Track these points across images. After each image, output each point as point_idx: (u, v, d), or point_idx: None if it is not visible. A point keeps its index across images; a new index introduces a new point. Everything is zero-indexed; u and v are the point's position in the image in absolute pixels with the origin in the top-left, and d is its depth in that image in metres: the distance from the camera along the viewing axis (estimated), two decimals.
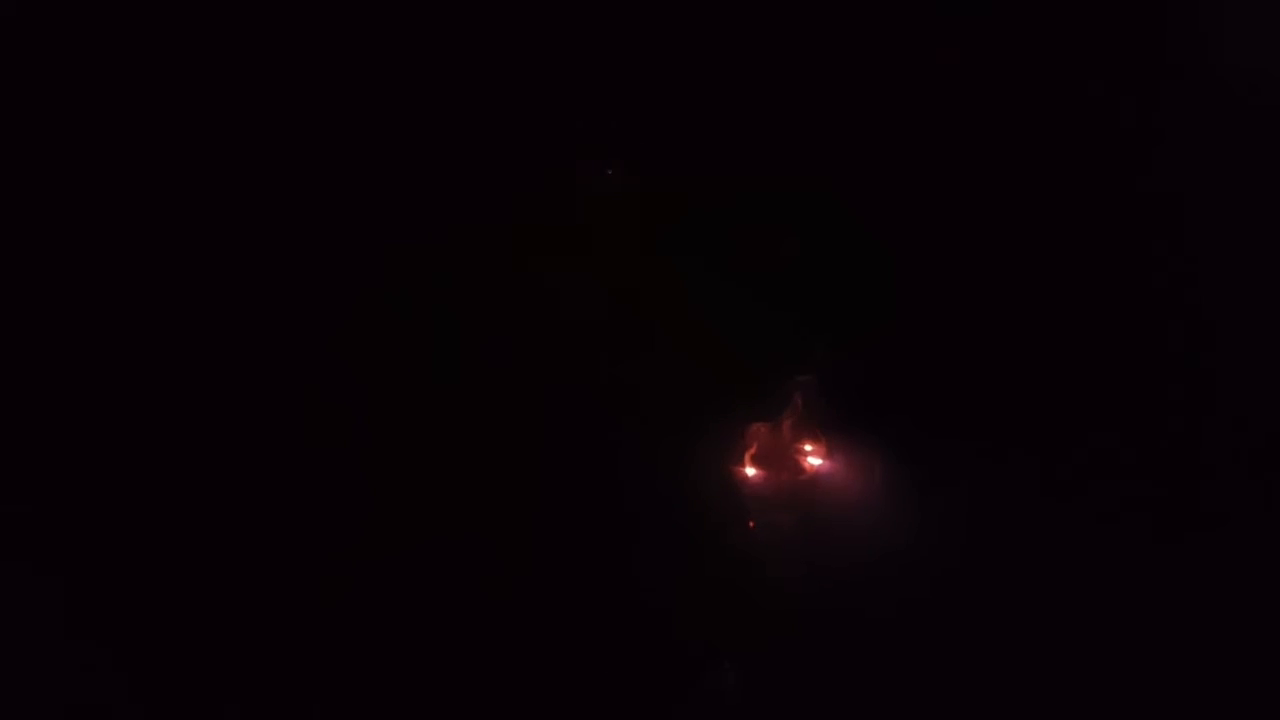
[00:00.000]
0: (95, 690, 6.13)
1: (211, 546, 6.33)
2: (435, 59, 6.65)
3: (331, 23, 6.60)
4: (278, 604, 6.30)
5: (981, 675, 6.23)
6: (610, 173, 6.54)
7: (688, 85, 6.69)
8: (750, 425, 6.59)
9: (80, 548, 6.26)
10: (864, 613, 6.33)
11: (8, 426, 6.33)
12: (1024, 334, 6.61)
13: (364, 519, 6.41)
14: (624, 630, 6.35)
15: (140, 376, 6.42)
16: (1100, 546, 6.40)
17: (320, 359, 6.50)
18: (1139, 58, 6.70)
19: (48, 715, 6.09)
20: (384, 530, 6.40)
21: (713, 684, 6.28)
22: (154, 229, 6.51)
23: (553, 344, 6.54)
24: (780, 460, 6.60)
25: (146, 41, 6.54)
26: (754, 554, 6.44)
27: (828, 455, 6.60)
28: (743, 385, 6.54)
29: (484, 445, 6.49)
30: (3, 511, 6.25)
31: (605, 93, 6.69)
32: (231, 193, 6.54)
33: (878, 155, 6.68)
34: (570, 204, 6.61)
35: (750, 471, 6.58)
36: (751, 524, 6.50)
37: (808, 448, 6.62)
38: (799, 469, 6.61)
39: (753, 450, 6.58)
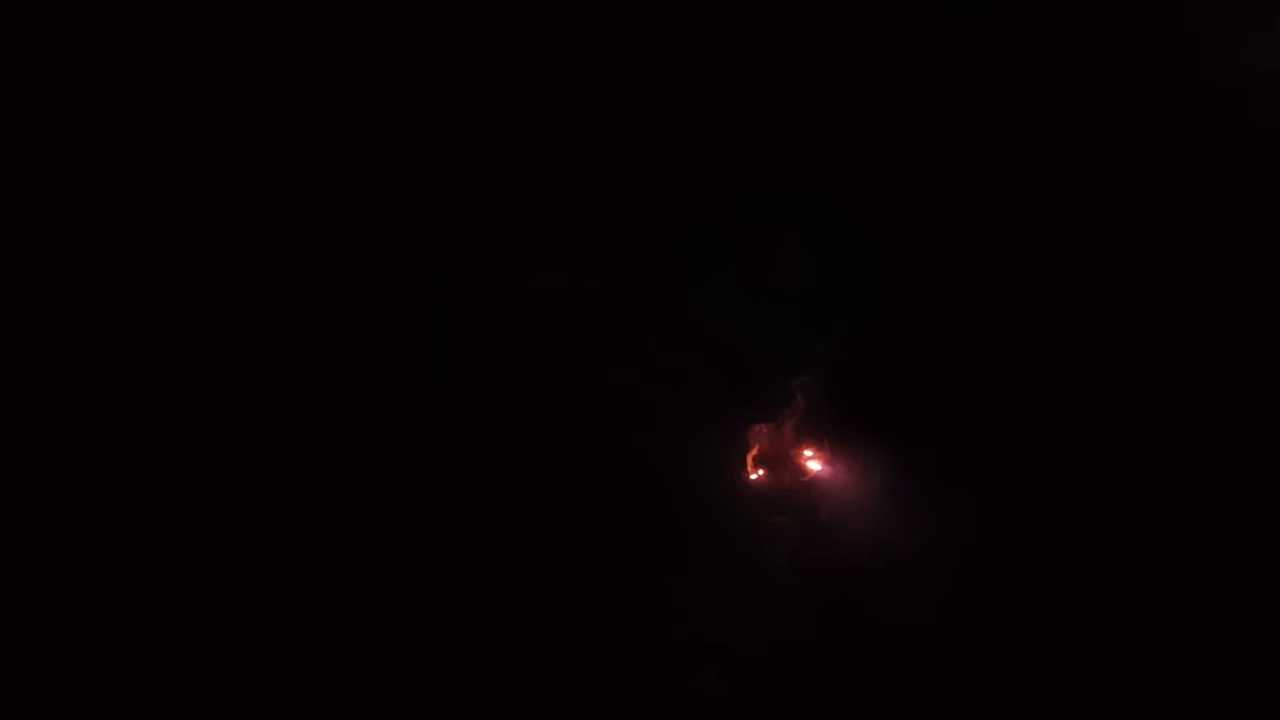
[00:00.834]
0: (95, 689, 6.14)
1: (212, 545, 6.34)
2: (436, 59, 6.66)
3: (332, 24, 6.60)
4: (278, 602, 6.30)
5: (982, 675, 6.24)
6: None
7: (690, 87, 6.70)
8: (752, 426, 6.58)
9: (81, 547, 6.27)
10: (864, 612, 6.34)
11: (10, 427, 6.34)
12: (1024, 336, 6.61)
13: (365, 519, 6.41)
14: (623, 629, 6.35)
15: (142, 377, 6.43)
16: (1099, 549, 6.40)
17: (322, 359, 6.50)
18: (1137, 59, 6.71)
19: (48, 715, 6.10)
20: (383, 530, 6.40)
21: (709, 683, 6.28)
22: (156, 230, 6.52)
23: (553, 346, 6.54)
24: (782, 461, 6.59)
25: (148, 42, 6.55)
26: (755, 554, 6.44)
27: (829, 456, 6.59)
28: (744, 386, 6.53)
29: (484, 445, 6.50)
30: (3, 511, 6.27)
31: (605, 93, 6.69)
32: (232, 194, 6.55)
33: (881, 159, 6.68)
34: (571, 206, 6.61)
35: (752, 472, 6.57)
36: (753, 524, 6.50)
37: (809, 449, 6.61)
38: (800, 470, 6.60)
39: (754, 451, 6.58)
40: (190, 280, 6.51)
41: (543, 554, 6.42)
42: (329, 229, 6.58)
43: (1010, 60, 6.72)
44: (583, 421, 6.51)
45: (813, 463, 6.60)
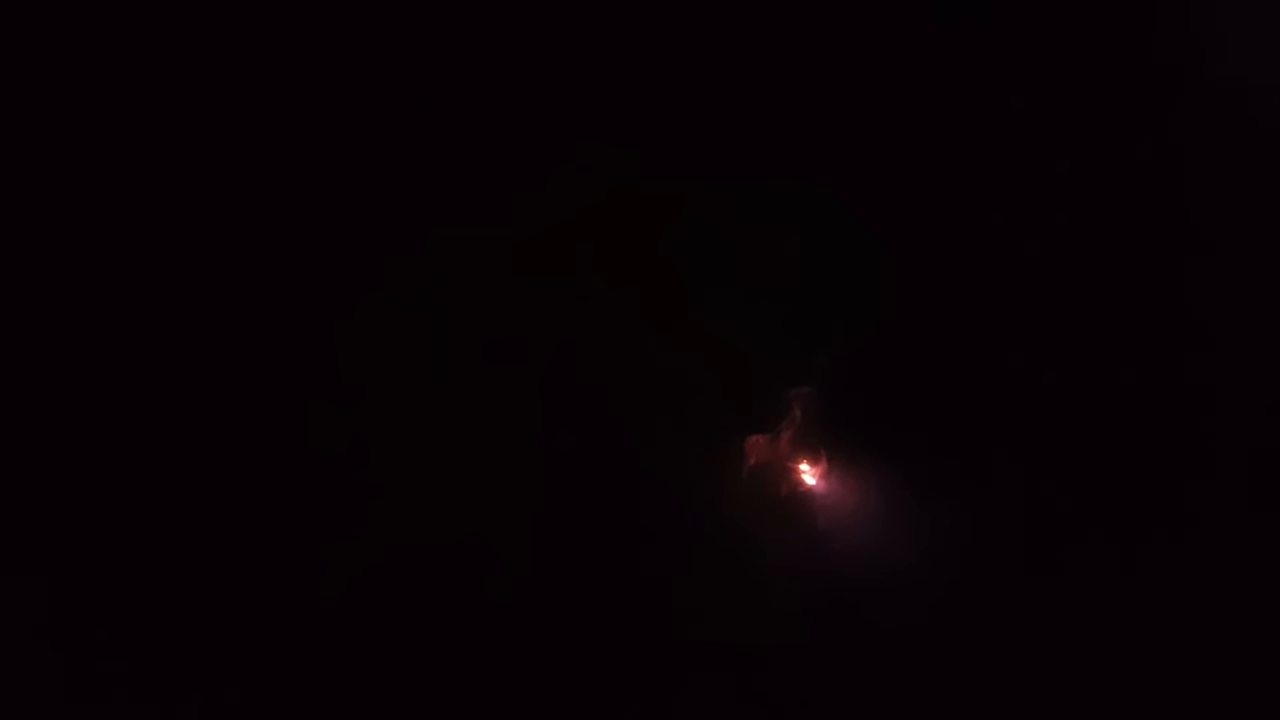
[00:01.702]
0: (96, 690, 6.14)
1: (212, 546, 6.33)
2: (436, 60, 6.65)
3: (332, 24, 6.60)
4: (279, 601, 6.30)
5: (979, 684, 6.24)
6: None
7: (689, 87, 6.69)
8: (749, 437, 6.57)
9: (81, 547, 6.27)
10: (861, 622, 6.33)
11: (11, 427, 6.34)
12: (1023, 338, 6.61)
13: (365, 519, 6.41)
14: (621, 632, 6.35)
15: (143, 378, 6.42)
16: (1098, 558, 6.41)
17: (322, 359, 6.50)
18: (1138, 59, 6.71)
19: (48, 715, 6.10)
20: (384, 530, 6.40)
21: (707, 689, 6.28)
22: (156, 231, 6.51)
23: (553, 346, 6.53)
24: (778, 472, 6.58)
25: (149, 43, 6.54)
26: (752, 563, 6.43)
27: (826, 467, 6.58)
28: (742, 397, 6.52)
29: (484, 445, 6.49)
30: (4, 511, 6.27)
31: (605, 93, 6.68)
32: (232, 195, 6.54)
33: (881, 159, 6.67)
34: (571, 206, 6.61)
35: (748, 483, 6.55)
36: (750, 534, 6.48)
37: (805, 460, 6.60)
38: (797, 481, 6.59)
39: (751, 462, 6.57)
40: (190, 281, 6.50)
41: (542, 554, 6.42)
42: (329, 229, 6.58)
43: (1010, 60, 6.71)
44: (583, 421, 6.51)
45: (809, 476, 6.59)
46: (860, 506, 6.49)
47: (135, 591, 6.29)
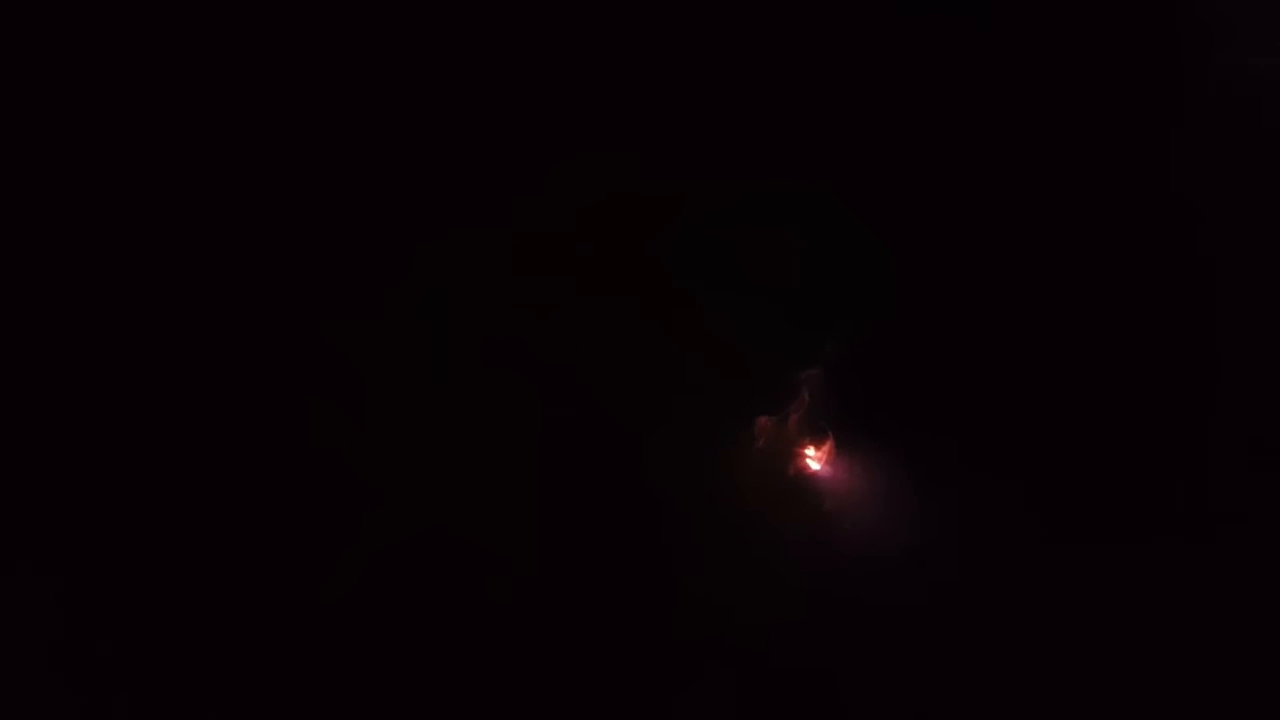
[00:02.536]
0: (96, 690, 6.14)
1: (213, 546, 6.33)
2: (436, 61, 6.67)
3: (334, 26, 6.61)
4: (279, 601, 6.30)
5: (979, 662, 6.25)
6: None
7: (690, 88, 6.70)
8: (757, 420, 6.58)
9: (81, 547, 6.26)
10: (867, 604, 6.34)
11: (13, 427, 6.34)
12: (1023, 334, 6.62)
13: (365, 519, 6.41)
14: (626, 625, 6.34)
15: (143, 378, 6.42)
16: (1097, 545, 6.42)
17: (322, 359, 6.51)
18: (1138, 58, 6.72)
19: (48, 714, 6.10)
20: (384, 530, 6.40)
21: (713, 677, 6.29)
22: (157, 232, 6.52)
23: (553, 346, 6.54)
24: (786, 454, 6.59)
25: (150, 45, 6.56)
26: (759, 545, 6.43)
27: (834, 450, 6.59)
28: (750, 380, 6.53)
29: (484, 445, 6.50)
30: (6, 511, 6.27)
31: (606, 95, 6.70)
32: (234, 195, 6.55)
33: (881, 159, 6.68)
34: (571, 207, 6.62)
35: (755, 466, 6.56)
36: (757, 517, 6.49)
37: (813, 444, 6.61)
38: (805, 463, 6.60)
39: (760, 444, 6.57)
40: (191, 281, 6.50)
41: (543, 553, 6.42)
42: (330, 230, 6.58)
43: (1010, 60, 6.73)
44: (583, 421, 6.51)
45: (814, 460, 6.60)
46: (867, 488, 6.49)
47: (136, 591, 6.27)
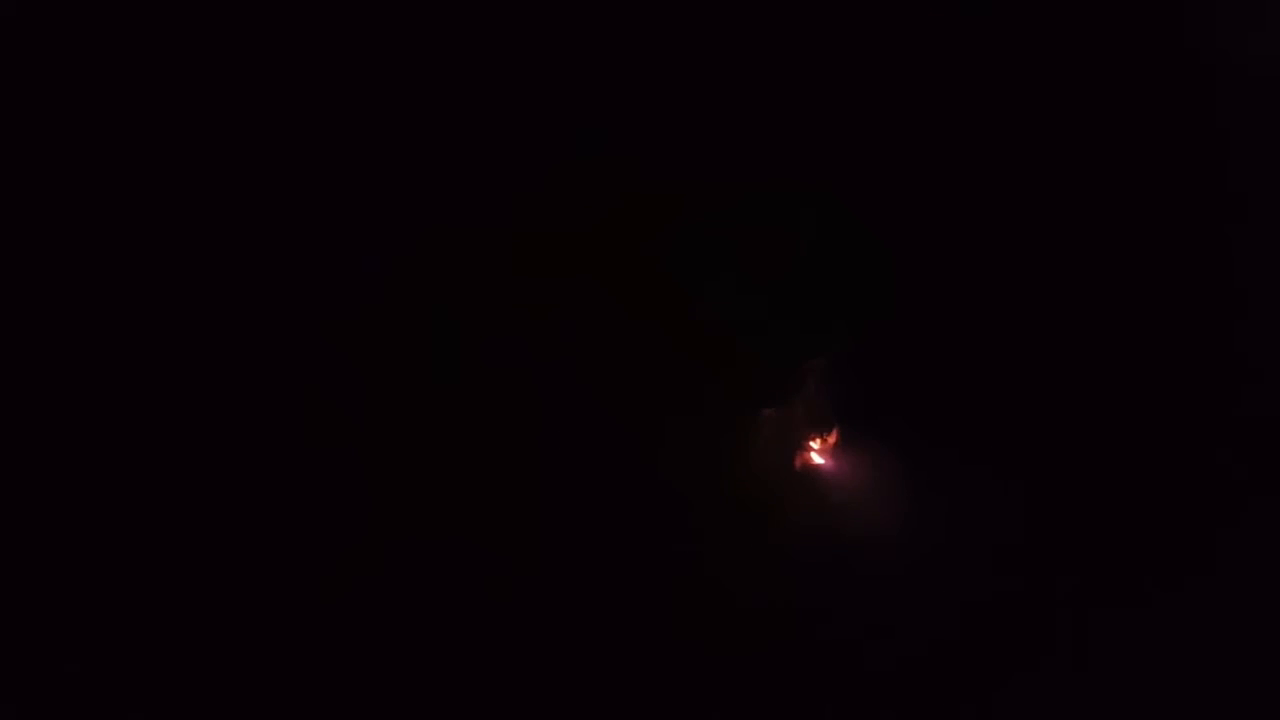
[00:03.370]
0: (95, 690, 6.15)
1: (212, 546, 6.33)
2: (435, 59, 6.68)
3: (332, 24, 6.63)
4: (279, 602, 6.30)
5: (984, 657, 6.26)
6: None
7: (690, 87, 6.71)
8: (762, 411, 6.58)
9: (79, 546, 6.27)
10: (873, 599, 6.34)
11: (10, 427, 6.35)
12: (1024, 332, 6.62)
13: (365, 519, 6.41)
14: (626, 625, 6.35)
15: (142, 378, 6.43)
16: (1098, 546, 6.42)
17: (322, 359, 6.51)
18: (1139, 58, 6.72)
19: (48, 714, 6.11)
20: (384, 530, 6.40)
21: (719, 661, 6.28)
22: (155, 232, 6.53)
23: (553, 346, 6.55)
24: (791, 446, 6.58)
25: (148, 43, 6.57)
26: (762, 540, 6.43)
27: (839, 441, 6.57)
28: (755, 371, 6.52)
29: (484, 445, 6.50)
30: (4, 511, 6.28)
31: (606, 94, 6.71)
32: (232, 194, 6.56)
33: (881, 158, 6.69)
34: (571, 206, 6.62)
35: (762, 457, 6.55)
36: (759, 511, 6.48)
37: (818, 435, 6.60)
38: (810, 455, 6.59)
39: (764, 436, 6.56)
40: (190, 281, 6.51)
41: (543, 554, 6.42)
42: (329, 229, 6.59)
43: (1010, 60, 6.73)
44: (584, 421, 6.51)
45: (818, 454, 6.59)
46: (874, 480, 6.48)
47: (135, 591, 6.28)
